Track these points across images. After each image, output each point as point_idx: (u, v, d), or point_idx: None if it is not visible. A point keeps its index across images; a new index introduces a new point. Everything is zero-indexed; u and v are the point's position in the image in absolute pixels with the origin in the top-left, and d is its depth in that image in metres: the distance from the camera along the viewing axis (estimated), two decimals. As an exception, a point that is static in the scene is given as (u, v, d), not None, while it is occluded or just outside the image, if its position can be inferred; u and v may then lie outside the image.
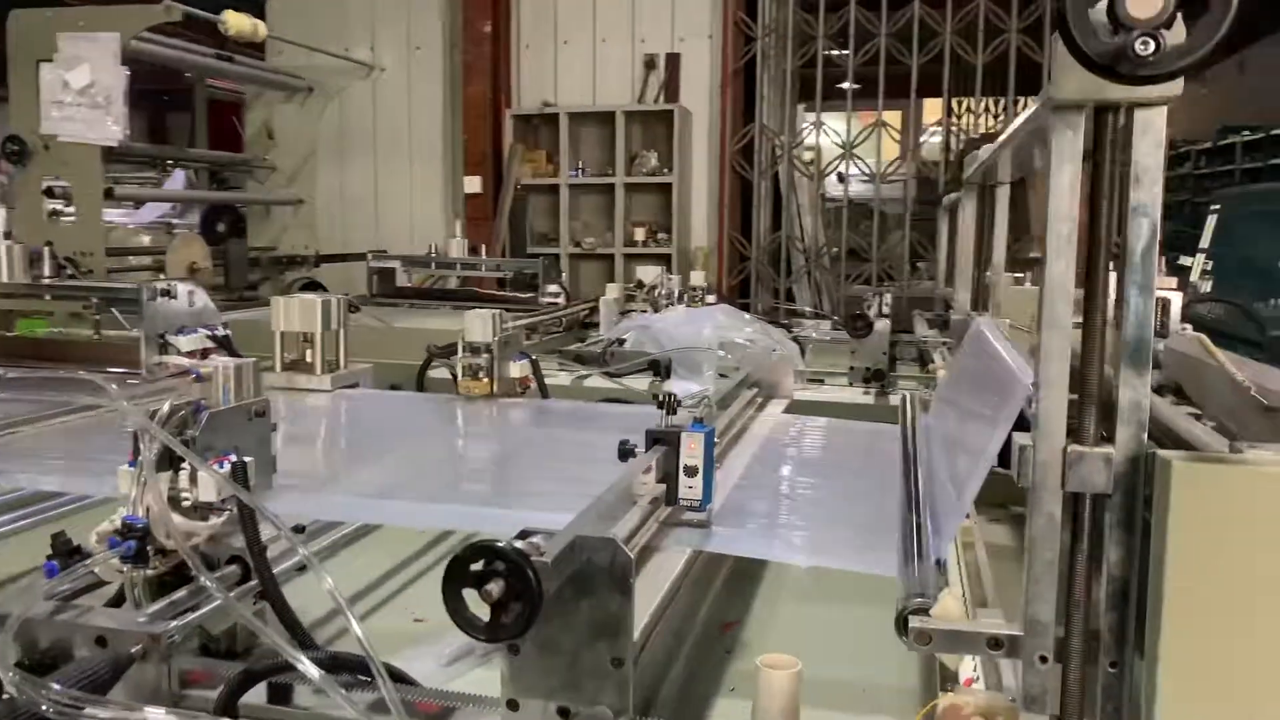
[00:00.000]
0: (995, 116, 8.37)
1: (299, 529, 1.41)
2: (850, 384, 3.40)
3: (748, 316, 3.55)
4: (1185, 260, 4.56)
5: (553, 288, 4.91)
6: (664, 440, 1.32)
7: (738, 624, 1.55)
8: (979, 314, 2.15)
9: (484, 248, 5.79)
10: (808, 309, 6.04)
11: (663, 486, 1.34)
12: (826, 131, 6.79)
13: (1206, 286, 4.40)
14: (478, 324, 2.29)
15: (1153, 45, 0.65)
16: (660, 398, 1.35)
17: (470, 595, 0.88)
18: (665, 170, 6.75)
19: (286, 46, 6.42)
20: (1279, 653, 0.79)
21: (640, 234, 6.85)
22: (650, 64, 6.94)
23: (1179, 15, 0.67)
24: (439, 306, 4.94)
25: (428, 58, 7.25)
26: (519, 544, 0.88)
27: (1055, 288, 0.86)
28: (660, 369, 3.37)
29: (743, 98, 6.86)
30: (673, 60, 6.91)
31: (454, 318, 4.59)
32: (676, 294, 4.07)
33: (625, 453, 1.35)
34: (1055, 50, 0.79)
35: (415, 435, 2.03)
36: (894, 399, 3.23)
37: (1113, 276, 0.89)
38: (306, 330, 2.28)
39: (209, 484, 1.25)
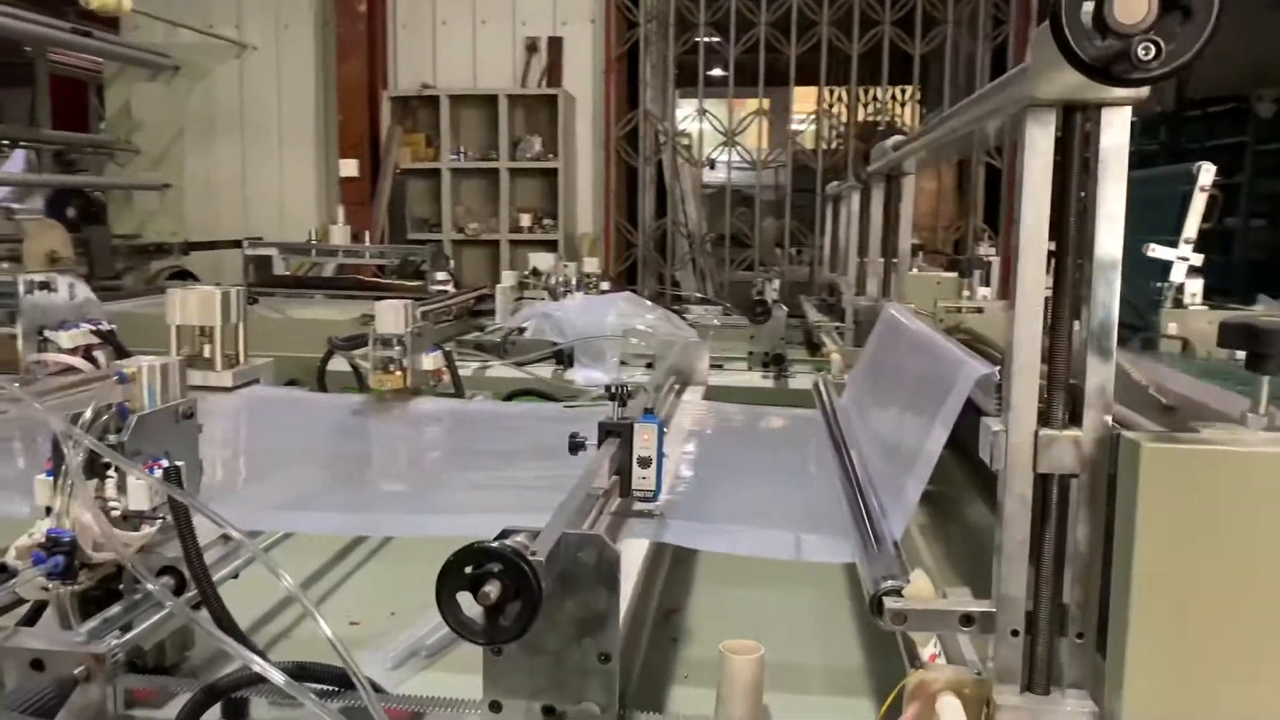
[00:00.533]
0: (865, 106, 8.64)
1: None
2: (750, 368, 3.46)
3: (649, 303, 3.57)
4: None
5: (441, 275, 4.81)
6: (617, 432, 1.32)
7: (679, 611, 1.57)
8: (886, 300, 2.23)
9: (367, 235, 5.62)
10: (696, 294, 6.12)
11: (615, 479, 1.34)
12: (710, 119, 6.87)
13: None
14: (389, 315, 2.22)
15: (1153, 50, 0.68)
16: (611, 389, 1.35)
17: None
18: (550, 155, 6.70)
19: (145, 21, 6.07)
20: (1241, 622, 0.85)
21: (526, 220, 6.78)
22: (532, 47, 6.87)
23: (1160, 19, 0.71)
24: (313, 295, 4.79)
25: (298, 36, 6.97)
26: (505, 542, 0.87)
27: (1028, 280, 0.90)
28: (564, 357, 3.36)
29: (626, 83, 6.87)
30: (555, 44, 6.85)
31: (342, 307, 4.48)
32: (575, 281, 4.05)
33: (576, 445, 1.34)
34: (1036, 51, 0.82)
35: (332, 435, 1.95)
36: (793, 382, 3.33)
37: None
38: (205, 324, 2.17)
39: (141, 491, 1.18)
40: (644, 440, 1.32)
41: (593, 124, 6.90)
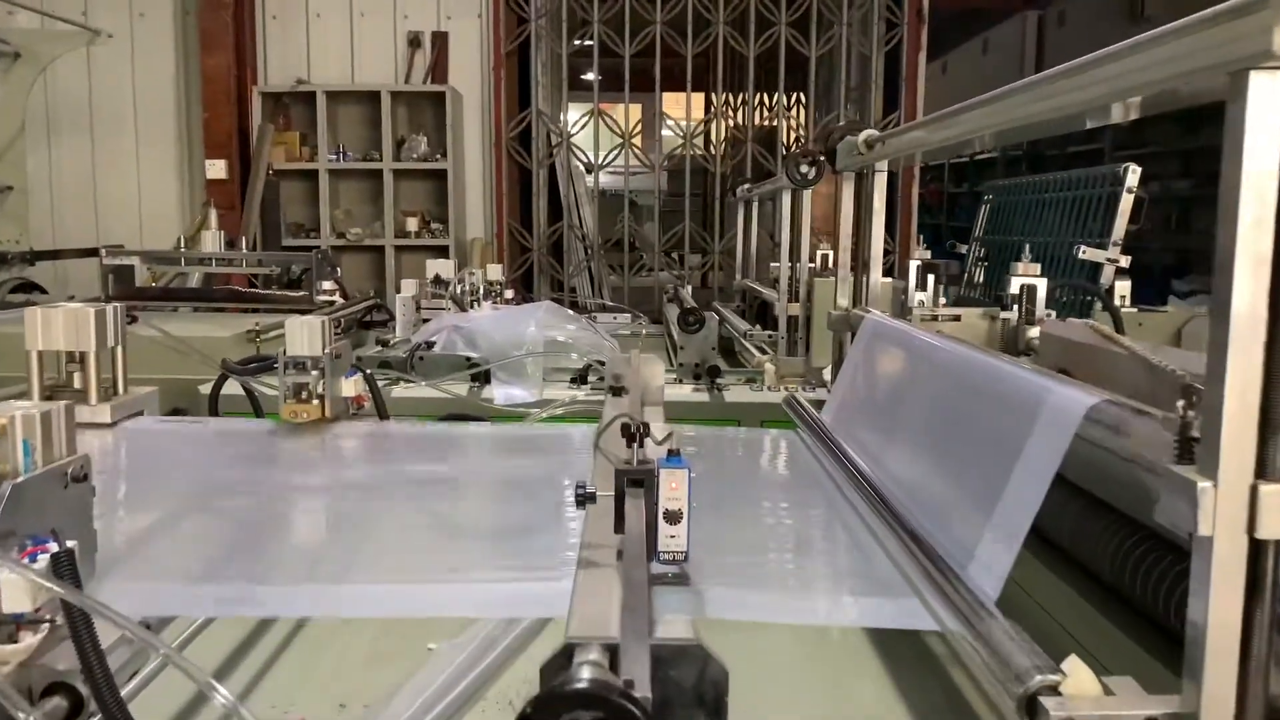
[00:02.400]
0: (755, 110, 8.59)
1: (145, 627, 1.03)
2: (679, 381, 3.25)
3: (570, 313, 3.32)
4: (962, 248, 4.80)
5: (328, 284, 4.43)
6: (638, 480, 1.07)
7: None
8: (860, 309, 2.05)
9: (243, 241, 5.16)
10: (595, 301, 5.89)
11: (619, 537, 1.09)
12: (605, 121, 6.65)
13: (979, 274, 4.65)
14: (302, 334, 1.90)
15: None
16: (629, 426, 1.10)
17: None
18: (438, 156, 6.35)
19: (-26, 3, 5.43)
20: None
21: (412, 224, 6.41)
22: (415, 42, 6.51)
23: None
24: (176, 308, 4.35)
25: (155, 24, 6.40)
26: (593, 676, 0.61)
27: (1246, 292, 0.70)
28: (479, 374, 3.07)
29: (517, 81, 6.58)
30: (439, 39, 6.50)
31: (223, 321, 4.05)
32: (483, 290, 3.75)
33: (583, 498, 1.09)
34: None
35: (247, 482, 1.62)
36: (728, 395, 3.13)
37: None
38: (76, 349, 1.80)
39: (20, 590, 0.87)
40: (672, 490, 1.08)
41: (482, 123, 6.58)
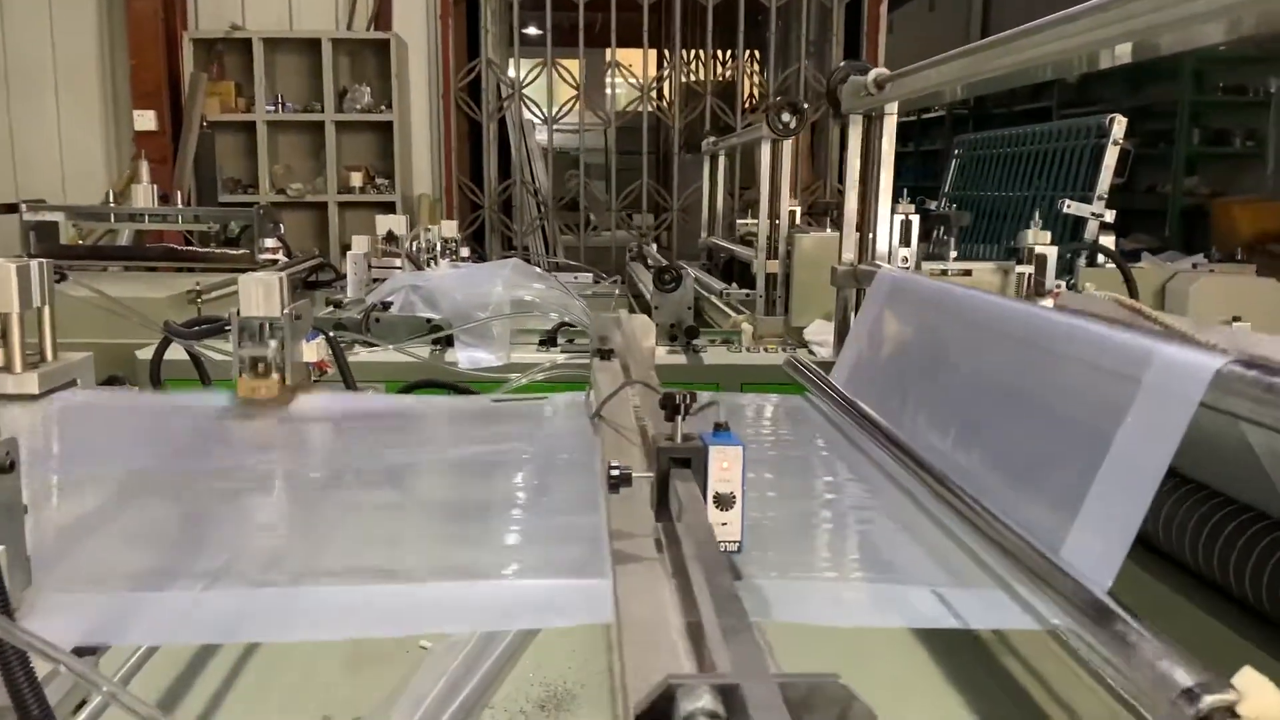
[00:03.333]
0: (706, 65, 8.38)
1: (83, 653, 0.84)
2: (655, 342, 3.09)
3: (538, 271, 3.13)
4: (931, 204, 4.69)
5: (270, 242, 4.16)
6: (684, 460, 0.91)
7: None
8: (872, 264, 1.90)
9: (178, 196, 4.85)
10: (554, 260, 5.68)
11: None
12: (559, 70, 6.39)
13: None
14: (257, 292, 1.68)
15: None
16: (672, 398, 0.93)
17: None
18: (383, 107, 6.05)
19: None
20: None
21: (356, 179, 6.11)
22: (357, -13, 6.17)
23: None
24: (107, 268, 4.07)
25: (73, -35, 5.97)
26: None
27: None
28: (442, 337, 2.87)
29: (465, 30, 6.28)
30: (383, -16, 6.18)
31: (153, 282, 3.78)
32: (440, 248, 3.54)
33: (618, 481, 0.92)
34: None
35: (199, 464, 1.42)
36: (706, 357, 2.98)
37: None
38: (-4, 310, 1.57)
39: (-71, 616, 0.68)
40: (723, 470, 0.92)
41: (429, 74, 6.28)
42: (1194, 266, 3.51)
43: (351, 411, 1.70)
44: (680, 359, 2.96)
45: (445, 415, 1.76)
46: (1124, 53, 1.16)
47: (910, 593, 0.95)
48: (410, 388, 2.16)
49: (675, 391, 0.95)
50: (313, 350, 1.79)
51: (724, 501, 0.92)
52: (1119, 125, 3.22)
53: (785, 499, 1.24)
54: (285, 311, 1.69)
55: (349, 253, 3.49)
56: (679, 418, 0.93)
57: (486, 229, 6.37)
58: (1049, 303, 1.99)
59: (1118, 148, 3.20)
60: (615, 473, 0.93)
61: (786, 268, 3.19)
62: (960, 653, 1.09)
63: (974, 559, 1.02)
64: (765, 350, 3.03)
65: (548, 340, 2.94)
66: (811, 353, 2.92)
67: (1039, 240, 2.07)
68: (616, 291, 3.89)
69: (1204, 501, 1.09)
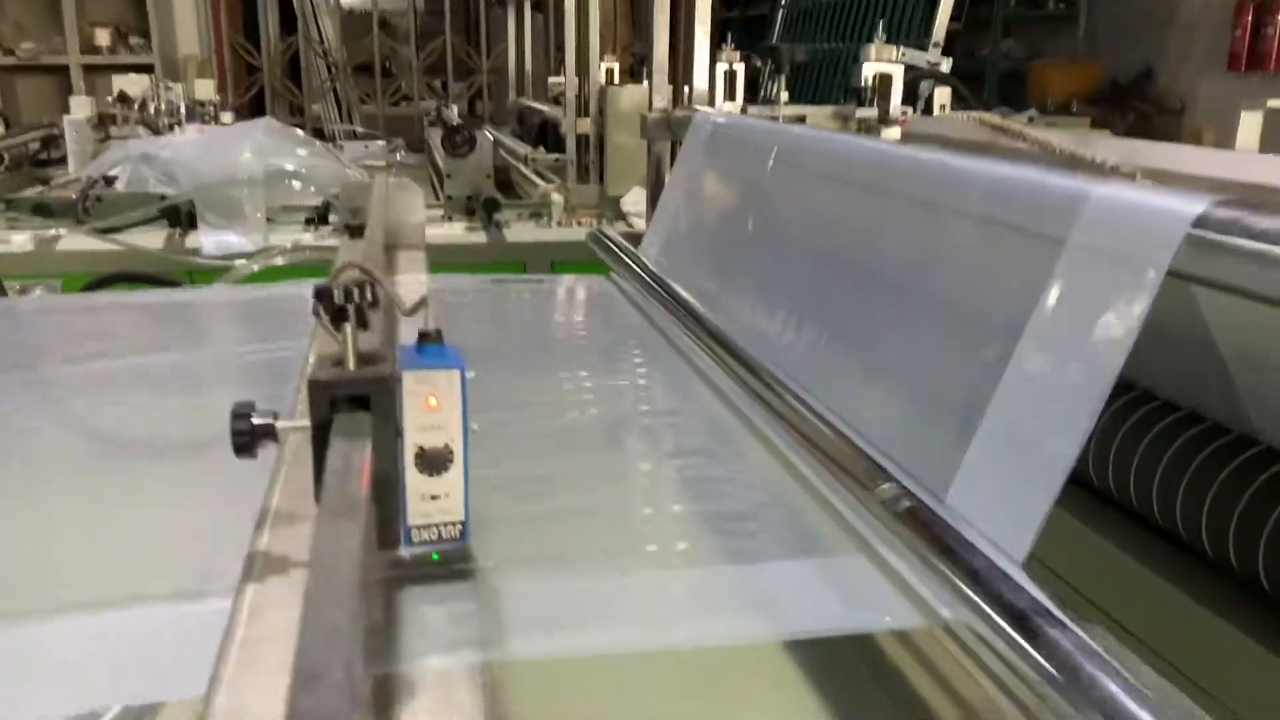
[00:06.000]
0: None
1: None
2: (448, 218, 2.65)
3: (300, 134, 2.60)
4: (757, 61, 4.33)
5: (-19, 110, 3.41)
6: (362, 399, 0.53)
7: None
8: (680, 110, 1.53)
9: None
10: (344, 128, 5.05)
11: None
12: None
13: (777, 86, 4.21)
14: None
15: None
16: (328, 293, 0.54)
17: None
18: (130, -49, 5.13)
19: None
20: None
21: (104, 37, 5.21)
22: None
23: None
24: None
25: None
26: None
27: None
28: (180, 217, 2.34)
29: None
30: None
31: None
32: (184, 110, 2.93)
33: (246, 440, 0.53)
34: None
35: None
36: (510, 234, 2.58)
37: None
38: None
39: None
40: (429, 410, 0.55)
41: (187, -89, 5.36)
42: (1029, 120, 3.33)
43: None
44: (479, 237, 2.54)
45: (129, 316, 1.31)
46: None
47: (727, 578, 0.62)
48: (99, 283, 1.67)
49: (348, 279, 0.56)
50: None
51: (432, 461, 0.55)
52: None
53: (559, 432, 0.89)
54: None
55: (66, 118, 2.84)
56: (348, 326, 0.54)
57: (268, 96, 5.60)
58: (895, 132, 1.67)
59: (952, -10, 2.91)
60: (245, 425, 0.54)
61: (600, 127, 2.78)
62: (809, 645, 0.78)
63: (822, 508, 0.70)
64: (579, 224, 2.65)
65: (317, 219, 2.46)
66: (630, 225, 2.56)
67: (882, 57, 1.72)
68: (399, 157, 3.38)
69: (1156, 419, 0.80)
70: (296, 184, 2.40)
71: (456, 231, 2.56)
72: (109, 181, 2.49)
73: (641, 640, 0.60)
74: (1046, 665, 0.48)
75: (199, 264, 1.97)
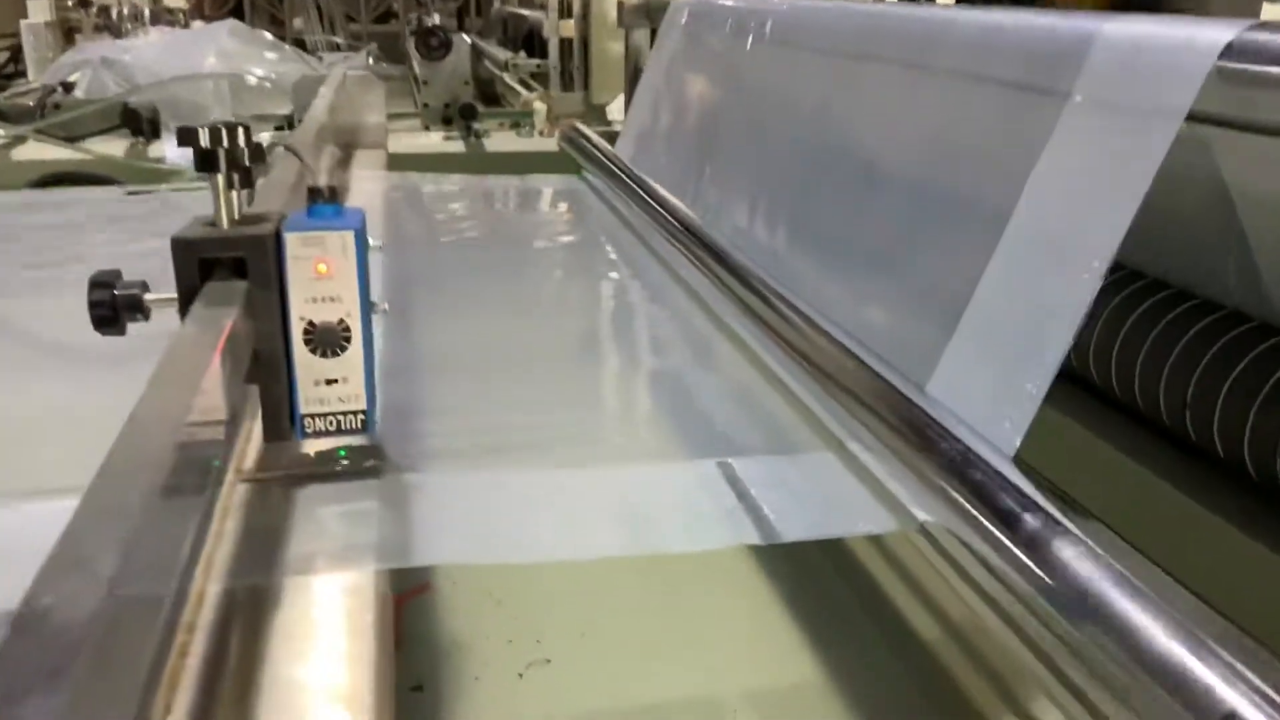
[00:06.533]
0: None
1: None
2: (426, 127, 2.54)
3: (269, 38, 2.47)
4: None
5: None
6: (236, 264, 0.45)
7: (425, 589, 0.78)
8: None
9: None
10: (340, 40, 4.87)
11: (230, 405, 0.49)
12: None
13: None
14: None
15: None
16: (193, 134, 0.46)
17: None
18: None
19: None
20: None
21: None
22: None
23: None
24: None
25: None
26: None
27: None
28: (143, 124, 2.23)
29: None
30: None
31: None
32: (148, 14, 2.79)
33: (109, 309, 0.46)
34: None
35: None
36: (489, 144, 2.47)
37: None
38: None
39: None
40: (318, 278, 0.47)
41: None
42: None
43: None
44: (458, 146, 2.43)
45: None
46: None
47: (691, 472, 0.54)
48: (43, 183, 1.57)
49: (212, 130, 0.47)
50: None
51: (326, 339, 0.47)
52: None
53: (504, 318, 0.81)
54: None
55: (24, 23, 2.71)
56: (219, 178, 0.46)
57: (246, 8, 5.40)
58: None
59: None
60: (100, 295, 0.46)
61: (584, 30, 2.65)
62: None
63: (790, 402, 0.62)
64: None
65: (287, 126, 2.34)
66: (612, 128, 2.45)
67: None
68: (396, 74, 3.23)
69: (1166, 309, 0.71)
70: (265, 87, 2.28)
71: (434, 141, 2.45)
72: (68, 88, 2.37)
73: (581, 548, 0.53)
74: (1039, 573, 0.41)
75: (161, 172, 1.86)
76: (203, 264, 0.45)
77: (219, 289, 0.44)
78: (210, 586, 0.41)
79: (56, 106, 2.29)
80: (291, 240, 0.46)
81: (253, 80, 2.31)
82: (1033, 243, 0.53)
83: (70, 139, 2.17)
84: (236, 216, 0.48)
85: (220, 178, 0.45)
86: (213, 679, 0.36)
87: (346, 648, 0.39)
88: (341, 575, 0.43)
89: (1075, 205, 0.51)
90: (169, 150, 2.18)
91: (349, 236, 0.46)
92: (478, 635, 0.73)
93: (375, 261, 0.50)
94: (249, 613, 0.40)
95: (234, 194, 0.48)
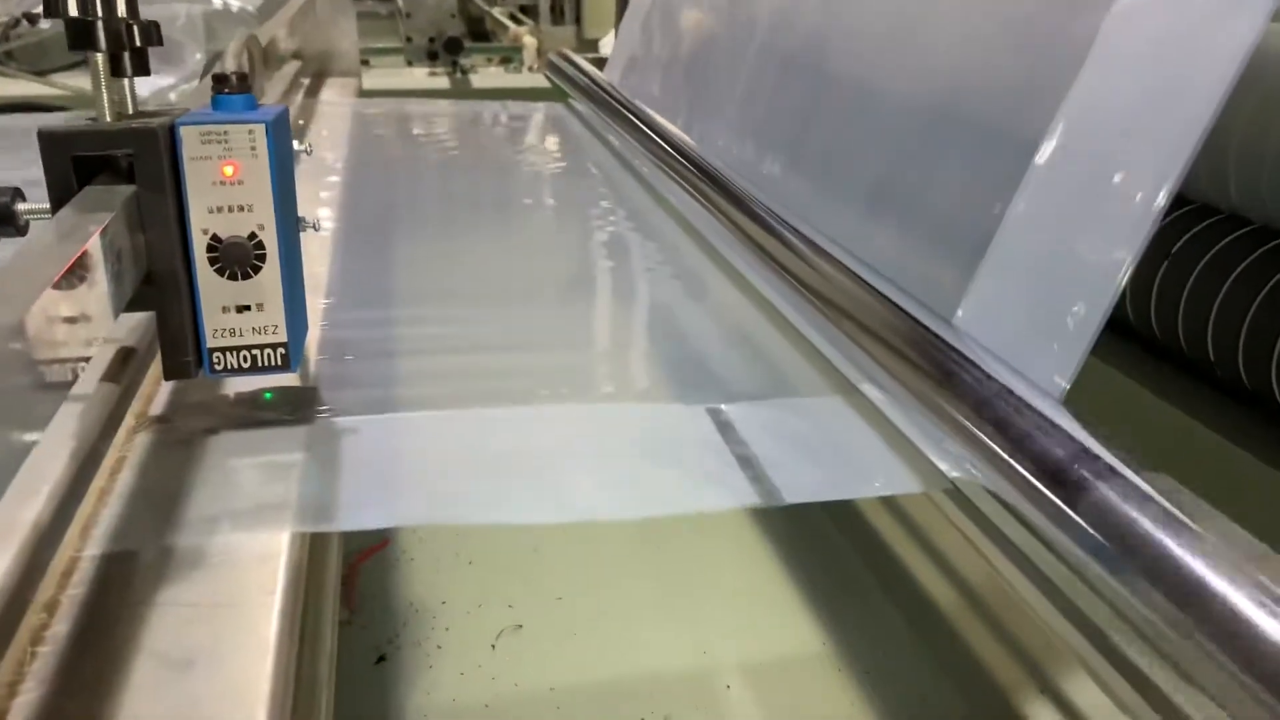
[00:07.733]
0: None
1: None
2: (410, 63, 2.43)
3: (243, -33, 2.34)
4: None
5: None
6: (111, 162, 0.37)
7: (385, 545, 0.72)
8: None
9: None
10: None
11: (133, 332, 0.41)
12: None
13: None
14: None
15: None
16: (53, 5, 0.38)
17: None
18: None
19: None
20: None
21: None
22: None
23: None
24: None
25: None
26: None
27: None
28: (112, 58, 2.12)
29: None
30: None
31: None
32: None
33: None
34: None
35: None
36: (476, 79, 2.37)
37: None
38: None
39: None
40: (221, 183, 0.39)
41: None
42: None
43: None
44: (443, 82, 2.32)
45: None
46: None
47: (678, 419, 0.47)
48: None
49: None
50: None
51: (234, 256, 0.39)
52: None
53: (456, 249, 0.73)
54: None
55: (-14, -48, 2.58)
56: (100, 56, 0.38)
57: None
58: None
59: None
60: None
61: (576, -39, 2.53)
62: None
63: (793, 339, 0.54)
64: (551, 67, 2.42)
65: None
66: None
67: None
68: (384, 12, 3.11)
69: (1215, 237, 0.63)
70: (246, 13, 2.16)
71: (418, 77, 2.35)
72: (32, 20, 2.26)
73: (550, 512, 0.45)
74: (1099, 537, 0.33)
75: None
76: (80, 165, 0.36)
77: (96, 194, 0.36)
78: (86, 553, 0.34)
79: (19, 39, 2.18)
80: (188, 135, 0.38)
81: (235, 6, 2.19)
82: (1084, 147, 0.45)
83: (39, 73, 2.08)
84: (130, 111, 0.40)
85: (101, 57, 0.37)
86: (70, 670, 0.29)
87: (243, 628, 0.31)
88: (248, 541, 0.36)
89: (1141, 92, 0.43)
90: (141, 84, 2.08)
91: (259, 131, 0.38)
92: (444, 598, 0.66)
93: (313, 173, 0.43)
94: (131, 587, 0.32)
95: (125, 83, 0.40)
